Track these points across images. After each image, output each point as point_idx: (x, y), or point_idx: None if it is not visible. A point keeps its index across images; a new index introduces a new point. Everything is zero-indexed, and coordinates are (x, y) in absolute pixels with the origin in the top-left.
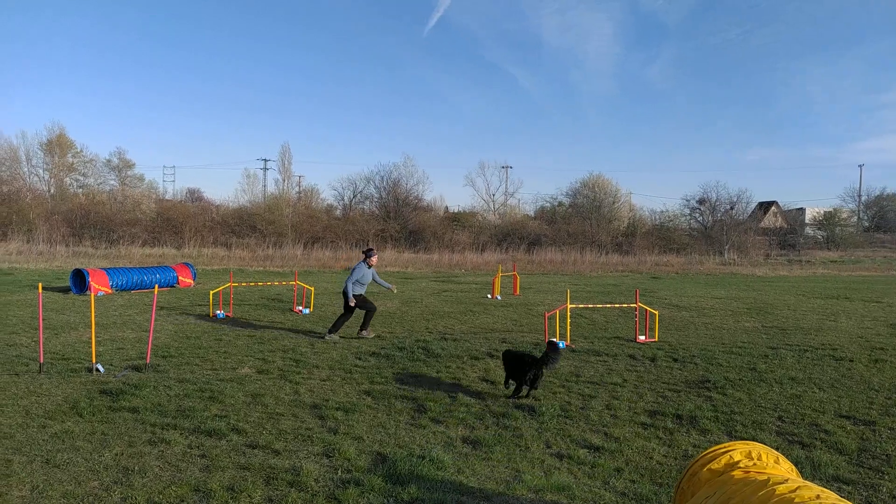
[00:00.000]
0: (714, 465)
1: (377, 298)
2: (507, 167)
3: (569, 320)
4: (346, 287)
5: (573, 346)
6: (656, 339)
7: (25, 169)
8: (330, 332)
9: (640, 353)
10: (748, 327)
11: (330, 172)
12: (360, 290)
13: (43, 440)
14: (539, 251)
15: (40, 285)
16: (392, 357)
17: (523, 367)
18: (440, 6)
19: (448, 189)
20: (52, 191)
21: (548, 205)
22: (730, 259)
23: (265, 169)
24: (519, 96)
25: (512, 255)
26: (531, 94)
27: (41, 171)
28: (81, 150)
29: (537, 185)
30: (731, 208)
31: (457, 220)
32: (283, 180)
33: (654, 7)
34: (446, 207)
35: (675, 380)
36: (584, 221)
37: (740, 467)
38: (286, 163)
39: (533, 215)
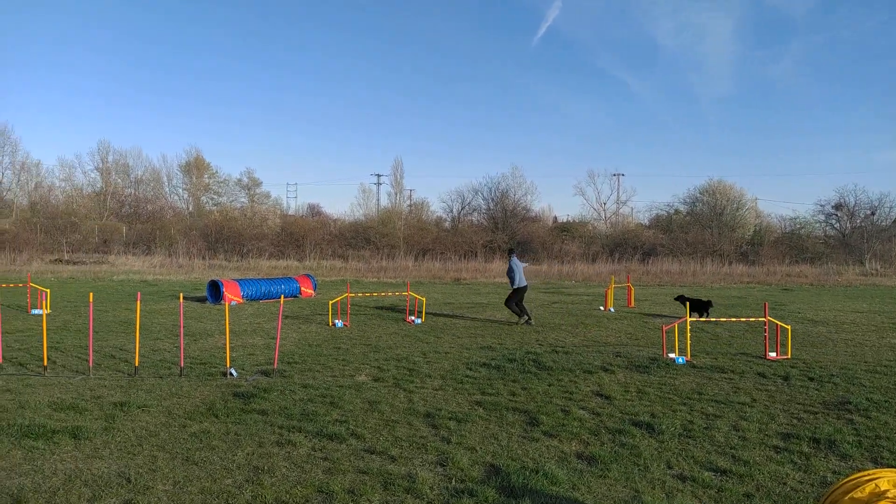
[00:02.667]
0: (857, 494)
1: (485, 308)
2: (618, 175)
3: (689, 334)
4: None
5: (694, 362)
6: (789, 356)
7: (167, 189)
8: (528, 320)
9: (771, 371)
10: (894, 344)
11: (439, 185)
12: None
13: (183, 439)
14: (654, 261)
15: (181, 295)
16: (503, 368)
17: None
18: (549, 16)
19: (556, 199)
20: (190, 208)
21: (663, 213)
22: (871, 269)
23: (378, 184)
24: (631, 102)
25: (625, 266)
26: (644, 100)
27: (181, 190)
28: (216, 171)
29: (651, 192)
30: (872, 213)
31: (566, 230)
32: (396, 194)
33: (778, 1)
34: (555, 217)
35: (812, 400)
36: (703, 230)
37: (888, 497)
38: (398, 177)
39: (647, 224)
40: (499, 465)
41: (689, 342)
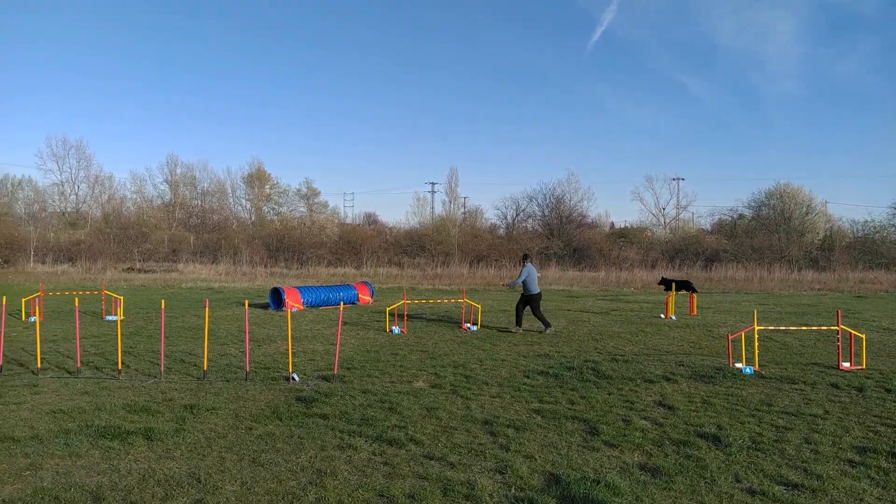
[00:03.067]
0: None
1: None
2: (678, 179)
3: (756, 343)
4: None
5: (762, 372)
6: (864, 367)
7: (231, 200)
8: (518, 328)
9: (845, 382)
10: None
11: (493, 192)
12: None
13: (249, 441)
14: (718, 268)
15: (246, 303)
16: (561, 377)
17: None
18: (604, 20)
19: (614, 204)
20: (252, 218)
21: (727, 218)
22: None
23: (433, 192)
24: (690, 105)
25: (686, 273)
26: (704, 102)
27: (244, 201)
28: (276, 182)
29: (713, 197)
30: None
31: (624, 236)
32: (450, 202)
33: None
34: (612, 223)
35: (889, 413)
36: (770, 235)
37: None
38: (453, 185)
39: (709, 229)
40: (559, 474)
41: (756, 351)
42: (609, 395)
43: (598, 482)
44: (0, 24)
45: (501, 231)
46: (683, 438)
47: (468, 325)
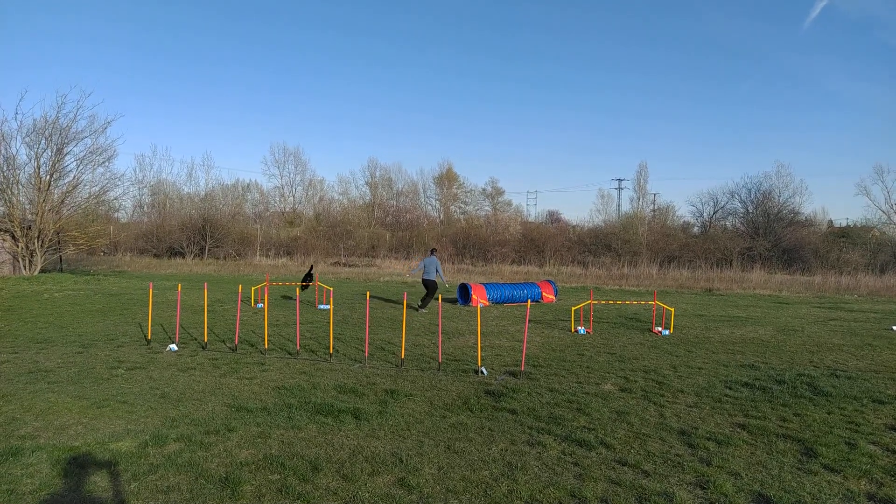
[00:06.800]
0: None
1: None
2: None
3: None
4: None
5: None
6: None
7: (422, 200)
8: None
9: None
10: None
11: (687, 188)
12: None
13: (444, 428)
14: None
15: (440, 297)
16: (769, 390)
17: None
18: None
19: (833, 200)
20: (441, 217)
21: None
22: None
23: (619, 189)
24: None
25: None
26: None
27: (434, 200)
28: (463, 182)
29: None
30: None
31: (845, 235)
32: (639, 198)
33: None
34: (830, 221)
35: None
36: None
37: None
38: (642, 181)
39: None
40: (769, 496)
41: None
42: (829, 414)
43: None
44: (238, 58)
45: (696, 230)
46: None
47: (659, 328)
